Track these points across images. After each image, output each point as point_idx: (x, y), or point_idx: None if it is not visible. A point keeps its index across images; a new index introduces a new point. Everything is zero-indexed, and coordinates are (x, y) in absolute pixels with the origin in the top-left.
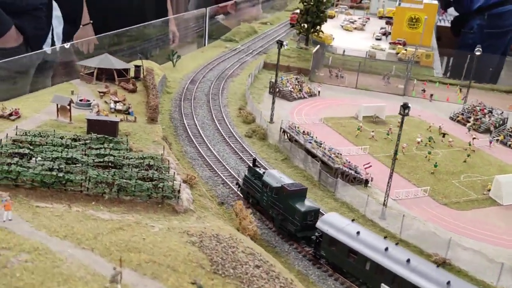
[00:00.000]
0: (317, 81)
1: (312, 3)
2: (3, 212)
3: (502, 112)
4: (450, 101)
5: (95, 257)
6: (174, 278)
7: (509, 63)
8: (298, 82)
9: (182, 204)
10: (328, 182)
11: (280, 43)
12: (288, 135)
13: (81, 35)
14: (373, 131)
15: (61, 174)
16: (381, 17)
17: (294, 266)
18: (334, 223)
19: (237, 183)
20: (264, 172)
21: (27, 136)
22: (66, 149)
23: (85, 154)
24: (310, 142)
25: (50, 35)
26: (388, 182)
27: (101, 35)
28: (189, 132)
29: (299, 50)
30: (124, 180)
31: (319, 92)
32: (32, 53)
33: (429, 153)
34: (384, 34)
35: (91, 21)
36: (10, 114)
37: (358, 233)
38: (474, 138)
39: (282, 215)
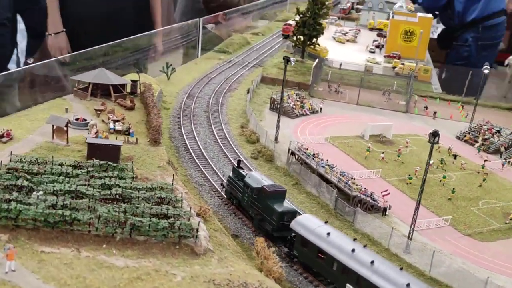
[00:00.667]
0: (317, 97)
1: (308, 15)
2: (6, 262)
3: (511, 133)
4: (454, 119)
5: None
6: None
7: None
8: (299, 98)
9: (200, 243)
10: (345, 211)
11: (287, 60)
12: (297, 157)
13: (53, 44)
14: (383, 153)
15: (67, 212)
16: (371, 29)
17: None
18: (307, 224)
19: (221, 184)
20: (246, 174)
21: (23, 163)
22: (67, 179)
23: (89, 185)
24: (323, 166)
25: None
26: (414, 214)
27: (91, 48)
28: (192, 154)
29: (295, 63)
30: (137, 219)
31: (321, 108)
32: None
33: (444, 177)
34: (377, 46)
35: (64, 29)
36: (2, 136)
37: (328, 234)
38: (486, 160)
39: (260, 215)
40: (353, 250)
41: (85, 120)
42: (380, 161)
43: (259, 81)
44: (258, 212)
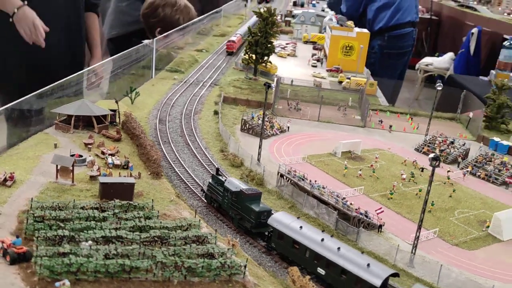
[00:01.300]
0: (279, 115)
1: (260, 35)
2: None
3: (464, 144)
4: (407, 131)
5: None
6: None
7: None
8: (267, 118)
9: (249, 279)
10: (347, 231)
11: (267, 85)
12: (289, 180)
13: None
14: (360, 170)
15: (127, 261)
16: (305, 42)
17: None
18: (282, 220)
19: (201, 190)
20: (225, 180)
21: (44, 209)
22: (100, 224)
23: (120, 228)
24: (318, 188)
25: None
26: (417, 233)
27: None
28: (187, 183)
29: (248, 81)
30: (192, 261)
31: (288, 127)
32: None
33: (420, 190)
34: (318, 60)
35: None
36: (5, 180)
37: (301, 227)
38: (449, 171)
39: (240, 215)
40: (322, 240)
41: (81, 156)
42: (357, 177)
43: (221, 101)
44: (237, 213)
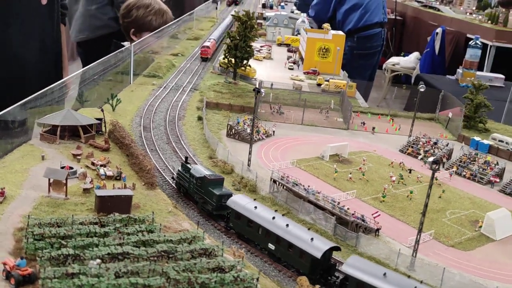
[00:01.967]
0: (263, 119)
1: (238, 38)
2: None
3: (448, 144)
4: (390, 133)
5: None
6: None
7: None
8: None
9: None
10: (346, 237)
11: (257, 90)
12: (282, 186)
13: None
14: (351, 173)
15: (140, 280)
16: (279, 45)
17: None
18: (239, 202)
19: (172, 177)
20: (192, 167)
21: (42, 226)
22: (103, 240)
23: (123, 243)
24: (313, 194)
25: None
26: (417, 238)
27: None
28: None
29: (228, 85)
30: (205, 276)
31: (273, 132)
32: None
33: (411, 192)
34: (294, 63)
35: None
36: None
37: (255, 207)
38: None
39: (203, 199)
40: (273, 218)
41: (72, 168)
42: (348, 181)
43: (205, 106)
44: (201, 197)
